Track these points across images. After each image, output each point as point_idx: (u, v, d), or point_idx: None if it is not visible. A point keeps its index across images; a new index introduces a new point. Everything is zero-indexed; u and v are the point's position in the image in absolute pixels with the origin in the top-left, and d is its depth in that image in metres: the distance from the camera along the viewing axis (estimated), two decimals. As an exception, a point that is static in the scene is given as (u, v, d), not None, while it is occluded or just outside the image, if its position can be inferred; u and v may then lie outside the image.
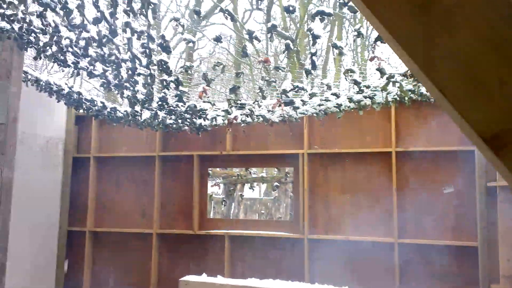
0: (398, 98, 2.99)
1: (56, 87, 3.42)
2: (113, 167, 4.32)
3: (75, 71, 2.38)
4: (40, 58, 2.45)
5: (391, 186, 3.58)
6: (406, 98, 2.89)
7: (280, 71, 2.76)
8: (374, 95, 2.91)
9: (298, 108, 2.89)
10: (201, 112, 2.85)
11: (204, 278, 2.45)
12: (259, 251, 3.89)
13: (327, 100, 2.93)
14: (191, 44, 2.45)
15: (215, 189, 10.11)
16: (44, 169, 4.02)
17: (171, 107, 2.68)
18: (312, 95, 2.74)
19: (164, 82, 2.18)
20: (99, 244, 4.24)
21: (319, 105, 3.04)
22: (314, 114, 3.19)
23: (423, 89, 2.81)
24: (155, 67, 2.07)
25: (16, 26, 2.00)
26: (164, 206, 4.16)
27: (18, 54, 2.69)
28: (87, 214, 4.24)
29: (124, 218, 4.22)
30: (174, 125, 3.38)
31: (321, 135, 3.86)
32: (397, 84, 2.64)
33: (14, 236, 3.50)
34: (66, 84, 3.24)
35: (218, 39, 1.90)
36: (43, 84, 3.40)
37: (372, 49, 2.31)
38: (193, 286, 2.36)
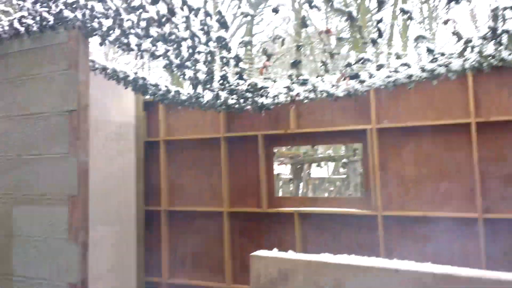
0: (476, 65, 2.73)
1: (123, 74, 3.55)
2: (182, 149, 4.44)
3: (139, 53, 2.44)
4: (105, 44, 2.54)
5: (471, 158, 3.33)
6: (486, 64, 2.63)
7: (343, 42, 2.63)
8: (450, 63, 2.68)
9: (364, 81, 2.75)
10: (262, 90, 2.81)
11: (276, 253, 2.44)
12: (330, 229, 3.82)
13: (396, 71, 2.75)
14: (249, 18, 2.40)
15: (282, 169, 10.14)
16: (119, 154, 4.23)
17: (232, 86, 2.67)
18: (379, 67, 2.59)
19: (224, 59, 2.17)
20: (174, 221, 4.41)
21: (387, 76, 2.87)
22: (382, 87, 3.01)
23: (505, 54, 2.54)
24: (215, 44, 2.06)
25: (79, 14, 2.08)
26: (233, 186, 4.21)
27: (84, 42, 2.82)
28: (161, 194, 4.42)
29: (195, 198, 4.34)
30: (236, 105, 3.37)
31: (390, 109, 3.66)
32: (476, 49, 2.41)
33: (95, 217, 3.73)
34: (131, 70, 3.35)
35: (276, 10, 1.84)
36: (110, 71, 3.54)
37: (446, 10, 2.11)
38: (265, 261, 2.36)
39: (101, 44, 2.62)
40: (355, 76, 2.48)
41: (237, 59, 2.17)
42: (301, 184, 9.87)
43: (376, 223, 3.61)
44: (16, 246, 3.01)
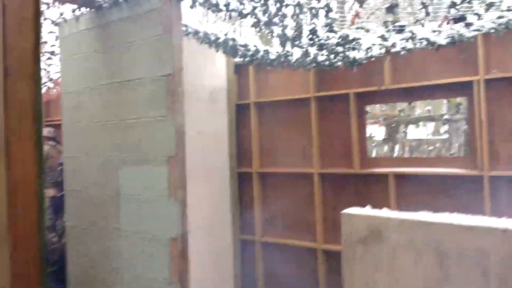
0: None
1: (214, 36, 3.59)
2: (272, 111, 4.44)
3: (227, 13, 2.43)
4: (195, 7, 2.56)
5: None
6: None
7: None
8: None
9: (471, 24, 2.45)
10: (354, 42, 2.65)
11: (368, 210, 2.35)
12: (429, 191, 3.60)
13: (509, 9, 2.41)
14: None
15: (375, 130, 9.73)
16: (212, 117, 4.36)
17: (322, 41, 2.56)
18: (489, 6, 2.28)
19: (313, 10, 2.06)
20: (265, 183, 4.49)
21: (499, 17, 2.52)
22: (492, 30, 2.67)
23: None
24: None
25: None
26: (323, 147, 4.13)
27: (177, 6, 2.87)
28: (253, 156, 4.50)
29: (286, 159, 4.35)
30: (327, 62, 3.24)
31: (501, 57, 3.25)
32: None
33: (193, 177, 3.92)
34: (221, 32, 3.37)
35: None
36: (202, 35, 3.60)
37: None
38: (356, 219, 2.29)
39: (191, 6, 2.65)
40: (460, 19, 2.21)
41: (327, 8, 2.05)
42: (397, 146, 9.41)
43: (482, 184, 3.31)
44: (123, 203, 3.28)
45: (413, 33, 2.56)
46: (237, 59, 4.06)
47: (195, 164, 4.06)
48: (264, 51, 3.34)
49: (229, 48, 3.58)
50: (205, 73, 4.23)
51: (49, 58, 4.78)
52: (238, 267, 4.53)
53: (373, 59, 3.26)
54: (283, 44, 2.77)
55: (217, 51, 3.70)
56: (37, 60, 0.89)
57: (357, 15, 2.08)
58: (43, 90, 5.25)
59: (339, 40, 2.57)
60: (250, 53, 3.46)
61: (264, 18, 2.40)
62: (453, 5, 2.02)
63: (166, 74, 3.02)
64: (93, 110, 3.50)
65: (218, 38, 3.57)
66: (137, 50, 3.18)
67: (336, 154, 4.08)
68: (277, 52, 3.27)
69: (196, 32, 3.59)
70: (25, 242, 0.91)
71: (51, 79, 5.14)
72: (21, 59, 0.86)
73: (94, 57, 3.48)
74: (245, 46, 3.41)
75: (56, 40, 4.03)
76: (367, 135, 4.31)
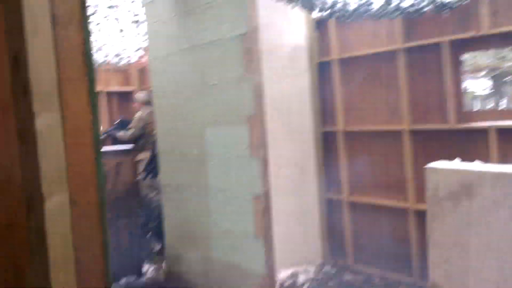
0: None
1: (290, -8, 3.46)
2: (356, 67, 4.23)
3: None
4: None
5: None
6: None
7: None
8: None
9: None
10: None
11: (457, 164, 2.14)
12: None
13: None
14: None
15: (477, 84, 8.81)
16: (293, 77, 4.29)
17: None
18: None
19: None
20: (352, 142, 4.35)
21: None
22: None
23: None
24: None
25: None
26: (413, 102, 3.85)
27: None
28: (337, 115, 4.36)
29: (373, 116, 4.15)
30: (412, 8, 2.95)
31: None
32: None
33: (275, 137, 3.94)
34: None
35: None
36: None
37: None
38: (443, 174, 2.11)
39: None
40: None
41: None
42: (504, 100, 8.47)
43: None
44: (210, 163, 3.42)
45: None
46: (317, 15, 3.89)
47: (278, 124, 4.06)
48: (342, 2, 3.14)
49: (305, 3, 3.44)
50: (284, 32, 4.14)
51: (137, 26, 5.02)
52: (324, 227, 4.52)
53: (467, 0, 2.90)
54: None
55: (293, 7, 3.58)
56: (83, 6, 0.93)
57: None
58: (134, 58, 5.54)
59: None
60: (328, 6, 3.28)
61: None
62: None
63: (242, 33, 3.01)
64: (178, 74, 3.65)
65: (294, -7, 3.44)
66: (214, 11, 3.21)
67: (427, 109, 3.78)
68: (356, 2, 3.07)
69: (272, -11, 3.49)
70: (83, 193, 0.97)
71: (140, 47, 5.42)
72: (68, 7, 0.90)
73: (176, 22, 3.59)
74: (322, -2, 3.24)
75: (142, 7, 4.20)
76: (467, 90, 3.92)
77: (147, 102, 5.60)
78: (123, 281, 4.38)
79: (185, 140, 3.66)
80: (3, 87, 1.00)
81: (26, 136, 0.92)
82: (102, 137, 6.53)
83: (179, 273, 3.88)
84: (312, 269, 4.32)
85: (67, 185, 0.95)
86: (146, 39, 4.21)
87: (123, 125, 5.62)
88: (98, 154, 1.05)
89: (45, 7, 0.86)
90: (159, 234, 5.44)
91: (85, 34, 0.93)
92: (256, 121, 3.03)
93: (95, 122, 1.03)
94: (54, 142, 0.91)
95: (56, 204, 0.94)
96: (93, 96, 1.00)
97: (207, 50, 3.32)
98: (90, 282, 1.03)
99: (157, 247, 5.36)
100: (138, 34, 4.73)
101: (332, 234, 4.54)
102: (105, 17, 3.97)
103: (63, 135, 0.94)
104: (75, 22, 0.91)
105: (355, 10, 3.24)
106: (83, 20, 0.92)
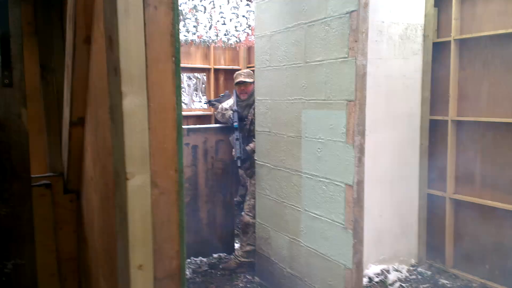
0: None
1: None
2: (478, 49, 3.77)
3: None
4: None
5: None
6: None
7: None
8: None
9: None
10: None
11: None
12: None
13: None
14: None
15: None
16: (403, 58, 3.97)
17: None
18: None
19: None
20: (463, 133, 3.94)
21: None
22: None
23: None
24: None
25: None
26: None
27: None
28: (450, 102, 3.97)
29: (491, 107, 3.69)
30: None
31: None
32: None
33: (376, 122, 3.71)
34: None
35: None
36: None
37: None
38: None
39: None
40: None
41: None
42: None
43: None
44: (304, 146, 3.34)
45: None
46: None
47: (380, 109, 3.82)
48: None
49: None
50: (399, 9, 3.82)
51: (247, 5, 5.05)
52: (422, 224, 4.21)
53: None
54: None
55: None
56: (172, -13, 0.90)
57: None
58: (243, 37, 5.60)
59: None
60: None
61: None
62: None
63: (350, 11, 2.83)
64: (281, 53, 3.59)
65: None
66: (322, -12, 3.05)
67: None
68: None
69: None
70: (164, 174, 0.97)
71: (249, 26, 5.45)
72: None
73: (282, 0, 3.51)
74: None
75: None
76: None
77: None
78: (215, 256, 4.58)
79: (282, 121, 3.62)
80: (103, 67, 1.03)
81: (116, 116, 0.95)
82: (205, 103, 6.79)
83: (267, 253, 3.94)
84: (404, 268, 4.08)
85: (149, 166, 0.96)
86: (254, 18, 4.21)
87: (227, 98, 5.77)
88: (179, 135, 1.05)
89: (136, -13, 0.86)
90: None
91: (174, 15, 0.91)
92: (355, 106, 2.86)
93: (178, 103, 1.03)
94: (138, 122, 0.92)
95: (138, 184, 0.96)
96: (178, 77, 0.98)
97: (311, 29, 3.19)
98: (165, 261, 1.05)
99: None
100: (248, 13, 4.75)
101: (430, 233, 4.22)
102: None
103: (148, 115, 0.94)
104: (165, 3, 0.89)
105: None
106: (173, 1, 0.90)
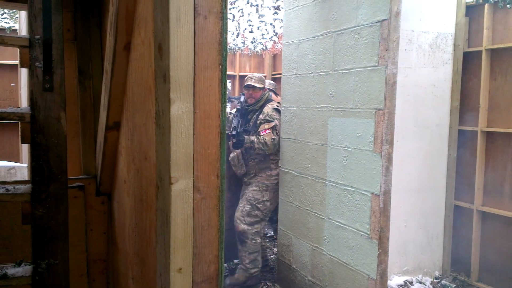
0: None
1: (441, -26, 3.14)
2: (510, 60, 3.70)
3: None
4: None
5: None
6: None
7: None
8: None
9: None
10: None
11: None
12: None
13: None
14: None
15: None
16: (432, 67, 3.93)
17: None
18: None
19: None
20: (493, 145, 3.87)
21: None
22: None
23: None
24: None
25: None
26: None
27: None
28: (480, 112, 3.90)
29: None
30: None
31: None
32: None
33: (403, 131, 3.68)
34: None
35: None
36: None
37: None
38: None
39: None
40: None
41: None
42: None
43: None
44: (330, 153, 3.33)
45: None
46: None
47: (408, 118, 3.78)
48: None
49: (459, -14, 3.08)
50: (429, 18, 3.79)
51: (275, 13, 5.08)
52: (448, 236, 4.14)
53: None
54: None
55: (444, -10, 3.24)
56: (223, -2, 0.92)
57: None
58: (270, 44, 5.64)
59: None
60: (485, -10, 2.89)
61: None
62: None
63: (381, 20, 2.82)
64: (309, 61, 3.60)
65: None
66: (352, -4, 3.05)
67: None
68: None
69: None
70: (206, 179, 0.99)
71: (276, 33, 5.49)
72: (209, -3, 0.90)
73: (312, 8, 3.52)
74: (479, -19, 2.87)
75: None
76: None
77: (271, 90, 5.65)
78: (235, 261, 4.56)
79: (308, 128, 3.62)
80: (151, 74, 1.06)
81: (162, 121, 0.97)
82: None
83: (288, 261, 3.92)
84: (428, 280, 4.00)
85: (192, 171, 0.98)
86: (281, 26, 4.23)
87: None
88: (223, 142, 1.06)
89: (189, -3, 0.88)
90: (272, 220, 5.56)
91: (223, 24, 0.93)
92: (384, 115, 2.84)
93: (223, 110, 1.05)
94: (184, 128, 0.94)
95: (181, 189, 0.97)
96: (224, 85, 1.00)
97: (341, 37, 3.19)
98: (203, 265, 1.07)
99: (270, 232, 5.50)
100: (276, 21, 4.78)
101: (456, 245, 4.14)
102: (247, 3, 4.07)
103: (194, 122, 0.96)
104: (214, 12, 0.91)
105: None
106: (223, 10, 0.92)
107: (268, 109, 4.09)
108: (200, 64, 0.94)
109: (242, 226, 3.99)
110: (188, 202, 1.01)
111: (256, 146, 3.93)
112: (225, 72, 0.99)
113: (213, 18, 0.92)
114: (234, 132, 3.89)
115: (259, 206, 4.02)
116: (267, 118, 4.05)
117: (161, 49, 0.91)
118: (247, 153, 4.06)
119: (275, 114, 4.08)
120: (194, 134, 0.97)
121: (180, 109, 0.93)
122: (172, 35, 0.88)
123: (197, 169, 1.00)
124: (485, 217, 3.91)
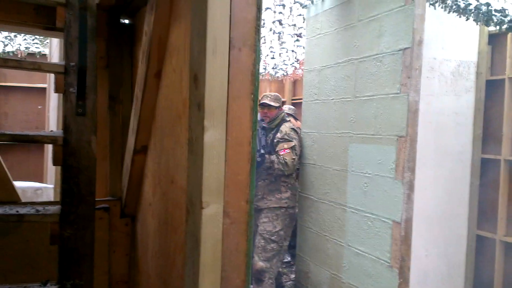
0: None
1: (464, 3, 3.17)
2: (534, 89, 3.68)
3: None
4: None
5: None
6: None
7: None
8: None
9: None
10: None
11: None
12: None
13: None
14: None
15: None
16: (455, 95, 3.92)
17: None
18: None
19: None
20: (516, 175, 3.80)
21: None
22: None
23: None
24: None
25: None
26: None
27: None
28: (503, 141, 3.85)
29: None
30: None
31: None
32: None
33: (425, 158, 3.65)
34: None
35: None
36: (450, 2, 3.23)
37: None
38: None
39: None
40: None
41: None
42: None
43: None
44: (350, 180, 3.32)
45: None
46: (492, 28, 3.50)
47: (429, 146, 3.76)
48: (527, 15, 2.75)
49: (482, 15, 3.11)
50: (451, 46, 3.80)
51: (296, 40, 5.17)
52: (470, 266, 4.03)
53: None
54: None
55: (467, 19, 3.26)
56: (257, 31, 0.97)
57: None
58: (291, 70, 5.71)
59: None
60: (507, 19, 2.91)
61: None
62: None
63: (403, 48, 2.86)
64: (330, 87, 3.64)
65: (468, 5, 3.14)
66: (377, 25, 3.11)
67: None
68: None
69: (443, 1, 3.24)
70: (236, 205, 1.01)
71: (297, 60, 5.56)
72: (245, 30, 0.95)
73: (334, 36, 3.59)
74: (501, 11, 2.89)
75: (303, 22, 4.30)
76: None
77: (290, 114, 5.71)
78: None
79: (328, 154, 3.63)
80: (181, 101, 1.11)
81: (195, 148, 1.00)
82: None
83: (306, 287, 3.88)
84: (451, 311, 3.89)
85: (223, 197, 1.01)
86: (303, 53, 4.29)
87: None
88: (252, 168, 1.09)
89: (225, 30, 0.92)
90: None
91: (256, 56, 0.97)
92: (406, 142, 2.84)
93: (254, 137, 1.08)
94: (216, 155, 0.98)
95: (212, 213, 1.00)
96: (255, 113, 1.04)
97: (362, 64, 3.23)
98: (231, 290, 1.08)
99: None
100: (297, 47, 4.86)
101: (478, 276, 4.03)
102: (270, 30, 4.16)
103: (225, 148, 1.00)
104: (248, 45, 0.96)
105: (542, 25, 2.82)
106: (256, 43, 0.97)
107: (286, 128, 3.93)
108: (233, 94, 0.98)
109: (260, 264, 3.73)
110: (218, 227, 1.03)
111: (276, 166, 3.75)
112: (257, 101, 1.02)
113: (246, 50, 0.97)
114: (262, 151, 3.70)
115: (273, 238, 3.79)
116: (286, 137, 3.88)
117: (197, 79, 0.95)
118: (257, 173, 3.77)
119: (293, 134, 3.94)
120: (225, 160, 1.01)
121: (213, 136, 0.96)
122: (208, 66, 0.92)
123: (227, 195, 1.03)
124: (508, 248, 3.81)
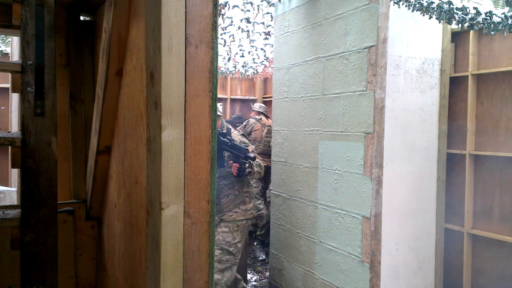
0: None
1: (426, 2, 3.24)
2: (495, 85, 3.79)
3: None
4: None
5: None
6: None
7: None
8: None
9: None
10: None
11: None
12: None
13: None
14: None
15: None
16: (420, 92, 4.00)
17: None
18: None
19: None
20: (481, 167, 3.92)
21: None
22: None
23: None
24: None
25: None
26: None
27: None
28: (467, 136, 3.96)
29: (510, 141, 3.68)
30: None
31: None
32: None
33: (393, 155, 3.72)
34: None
35: None
36: (413, 1, 3.29)
37: None
38: None
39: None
40: None
41: None
42: None
43: None
44: (320, 177, 3.35)
45: None
46: (454, 26, 3.59)
47: (396, 142, 3.83)
48: (486, 13, 2.83)
49: (444, 13, 3.18)
50: (415, 44, 3.88)
51: (265, 38, 5.17)
52: (439, 259, 4.13)
53: None
54: (510, 4, 2.28)
55: (430, 18, 3.33)
56: (214, 28, 0.95)
57: None
58: (260, 68, 5.71)
59: None
60: (469, 17, 2.99)
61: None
62: None
63: (369, 46, 2.89)
64: (299, 85, 3.65)
65: (431, 3, 3.21)
66: (343, 23, 3.13)
67: None
68: (503, 14, 2.74)
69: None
70: (197, 205, 0.99)
71: (267, 58, 5.57)
72: (201, 27, 0.93)
73: (302, 34, 3.60)
74: (462, 9, 2.97)
75: (271, 20, 4.31)
76: None
77: (260, 112, 5.76)
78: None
79: (299, 151, 3.64)
80: (142, 100, 1.08)
81: (154, 147, 0.98)
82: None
83: (280, 285, 3.89)
84: (421, 303, 3.98)
85: (183, 197, 0.99)
86: (272, 51, 4.29)
87: (240, 119, 5.99)
88: (213, 167, 1.08)
89: (180, 27, 0.90)
90: (264, 244, 5.52)
91: (213, 53, 0.96)
92: (373, 138, 2.89)
93: (213, 136, 1.06)
94: (175, 155, 0.96)
95: (172, 214, 0.98)
96: (214, 111, 1.02)
97: (330, 62, 3.26)
98: (194, 292, 1.06)
99: (262, 256, 5.44)
100: (266, 46, 4.86)
101: (447, 269, 4.14)
102: (238, 28, 4.14)
103: (184, 147, 0.98)
104: (205, 42, 0.94)
105: (500, 23, 2.90)
106: (213, 40, 0.95)
107: (236, 136, 3.72)
108: (191, 92, 0.96)
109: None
110: (179, 228, 1.01)
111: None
112: (216, 99, 1.01)
113: (204, 47, 0.95)
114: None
115: (231, 249, 3.52)
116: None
117: (153, 77, 0.93)
118: (218, 189, 3.57)
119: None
120: (185, 160, 0.99)
121: (171, 135, 0.94)
122: (164, 64, 0.90)
123: (187, 195, 1.01)
124: (476, 240, 3.93)
